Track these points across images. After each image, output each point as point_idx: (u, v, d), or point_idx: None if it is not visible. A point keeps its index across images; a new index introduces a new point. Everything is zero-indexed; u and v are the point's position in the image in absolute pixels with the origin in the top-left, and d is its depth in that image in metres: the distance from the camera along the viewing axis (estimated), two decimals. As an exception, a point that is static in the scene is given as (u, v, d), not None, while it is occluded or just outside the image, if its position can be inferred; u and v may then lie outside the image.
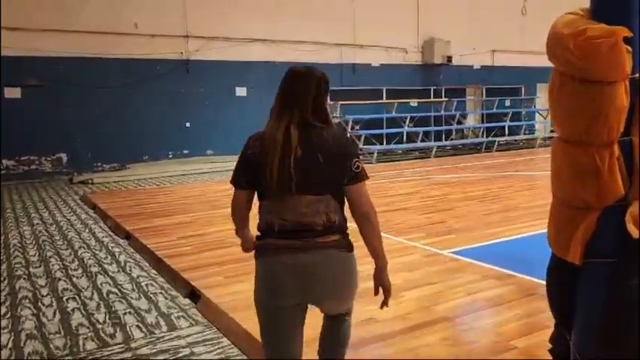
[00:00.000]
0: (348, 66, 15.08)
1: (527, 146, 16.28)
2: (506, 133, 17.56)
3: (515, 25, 18.24)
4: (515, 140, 17.11)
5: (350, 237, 2.07)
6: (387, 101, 15.28)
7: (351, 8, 14.90)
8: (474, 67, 17.68)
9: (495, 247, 5.05)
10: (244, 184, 2.07)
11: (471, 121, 17.56)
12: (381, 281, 2.07)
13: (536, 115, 19.11)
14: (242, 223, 2.21)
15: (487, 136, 16.45)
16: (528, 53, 18.56)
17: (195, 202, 7.97)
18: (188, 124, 12.90)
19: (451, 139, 16.60)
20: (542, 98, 19.30)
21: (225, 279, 4.27)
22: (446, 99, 16.40)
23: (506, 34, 18.07)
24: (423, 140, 15.06)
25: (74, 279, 4.53)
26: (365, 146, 13.88)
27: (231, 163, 10.60)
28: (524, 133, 17.91)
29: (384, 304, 2.10)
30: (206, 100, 13.06)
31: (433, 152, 14.29)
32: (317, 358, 2.35)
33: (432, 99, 16.43)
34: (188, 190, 9.36)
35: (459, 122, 16.75)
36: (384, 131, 14.82)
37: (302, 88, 2.06)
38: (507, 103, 18.29)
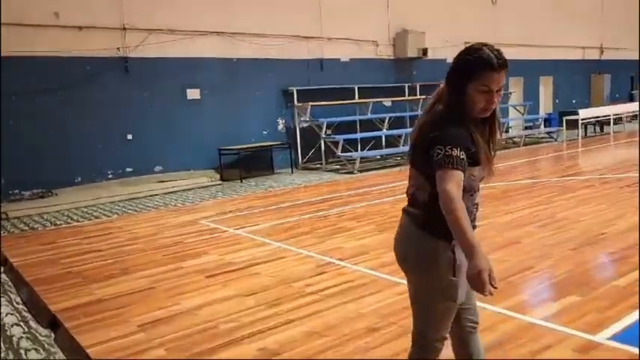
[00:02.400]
0: (316, 62, 13.15)
1: (510, 145, 14.94)
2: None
3: (487, 15, 16.97)
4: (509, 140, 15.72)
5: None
6: (361, 101, 13.47)
7: (316, -4, 12.99)
8: (448, 61, 16.14)
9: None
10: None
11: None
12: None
13: (510, 111, 17.94)
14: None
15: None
16: (499, 45, 17.34)
17: (153, 248, 5.78)
18: (130, 136, 10.52)
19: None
20: (517, 93, 18.17)
21: None
22: (422, 97, 14.79)
23: (478, 25, 16.74)
24: (405, 144, 13.33)
25: None
26: (343, 154, 11.99)
27: (187, 181, 8.29)
28: (504, 132, 16.59)
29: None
30: (151, 106, 10.73)
31: (418, 157, 12.57)
32: None
33: (406, 97, 14.79)
34: (138, 224, 7.11)
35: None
36: (359, 135, 12.99)
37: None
38: (481, 99, 16.92)
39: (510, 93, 17.70)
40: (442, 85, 2.08)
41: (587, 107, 20.34)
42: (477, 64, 1.93)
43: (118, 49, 10.34)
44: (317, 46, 13.14)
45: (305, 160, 12.77)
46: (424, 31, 14.72)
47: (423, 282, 2.06)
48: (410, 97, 14.79)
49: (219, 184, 10.69)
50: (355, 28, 13.70)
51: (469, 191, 1.97)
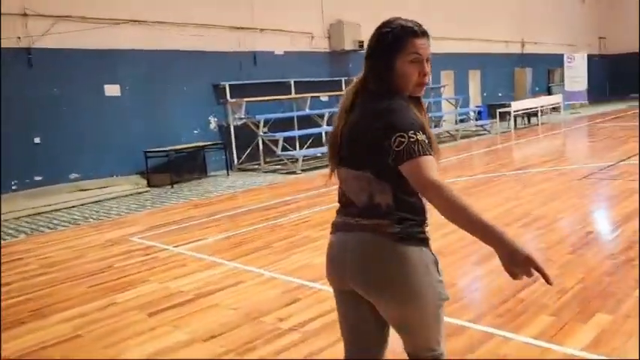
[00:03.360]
0: (248, 55, 12.19)
1: (447, 139, 14.77)
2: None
3: (419, 8, 16.74)
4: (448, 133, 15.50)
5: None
6: (298, 96, 12.67)
7: (247, -18, 12.03)
8: (382, 55, 15.76)
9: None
10: None
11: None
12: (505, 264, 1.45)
13: (443, 104, 17.89)
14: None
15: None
16: (433, 39, 17.22)
17: (74, 278, 4.65)
18: (38, 139, 9.07)
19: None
20: (450, 86, 18.14)
21: None
22: (360, 91, 14.23)
23: (411, 17, 16.44)
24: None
25: None
26: (284, 152, 11.15)
27: (109, 189, 6.79)
28: (435, 127, 16.47)
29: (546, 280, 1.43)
30: (63, 105, 9.32)
31: (361, 154, 11.97)
32: None
33: (344, 91, 14.13)
34: (53, 246, 5.88)
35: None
36: (299, 132, 12.20)
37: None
38: (416, 93, 16.67)
39: (443, 86, 17.64)
40: (359, 75, 1.80)
41: (511, 100, 20.83)
42: (401, 33, 1.72)
43: (19, 38, 8.87)
44: (249, 37, 12.19)
45: (241, 160, 11.80)
46: (360, 23, 14.18)
47: (414, 301, 1.65)
48: (347, 92, 14.18)
49: (147, 191, 9.50)
50: (289, 19, 12.89)
51: None
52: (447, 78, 18.20)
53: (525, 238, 4.74)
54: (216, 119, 11.62)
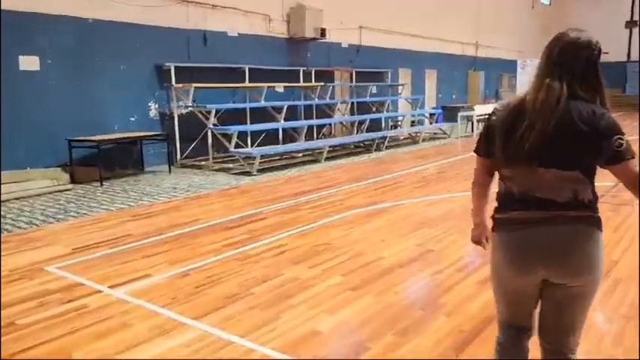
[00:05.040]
0: (198, 34, 10.57)
1: (411, 142, 13.83)
2: (385, 126, 15.02)
3: (380, 1, 15.68)
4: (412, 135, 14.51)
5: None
6: (255, 85, 11.20)
7: (200, -51, 10.40)
8: (343, 46, 14.60)
9: None
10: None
11: (339, 112, 14.42)
12: None
13: (399, 105, 17.00)
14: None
15: (357, 131, 13.64)
16: (392, 33, 16.28)
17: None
18: None
19: (322, 136, 13.30)
20: (407, 86, 17.23)
21: None
22: (319, 84, 12.98)
23: (371, 11, 15.39)
24: (301, 138, 11.43)
25: None
26: (238, 150, 9.68)
27: (20, 186, 4.81)
28: (391, 127, 15.54)
29: None
30: (-38, 77, 7.39)
31: (323, 156, 10.72)
32: None
33: (301, 83, 12.84)
34: None
35: (328, 114, 13.49)
36: (256, 127, 10.76)
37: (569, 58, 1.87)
38: (374, 90, 15.69)
39: (402, 85, 16.72)
40: (553, 83, 1.83)
41: (465, 103, 20.35)
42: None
43: None
44: (199, 13, 10.57)
45: (185, 155, 10.20)
46: (322, 9, 12.88)
47: (596, 284, 1.92)
48: (305, 84, 12.88)
49: (70, 189, 7.77)
50: (245, -3, 11.39)
51: None
52: (404, 76, 17.32)
53: None
54: (157, 106, 9.94)
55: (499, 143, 1.87)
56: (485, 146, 1.98)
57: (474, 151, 2.05)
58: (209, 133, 9.87)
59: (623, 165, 1.76)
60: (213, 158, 10.05)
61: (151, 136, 9.34)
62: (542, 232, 1.82)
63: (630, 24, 28.13)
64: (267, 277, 4.05)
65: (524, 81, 21.51)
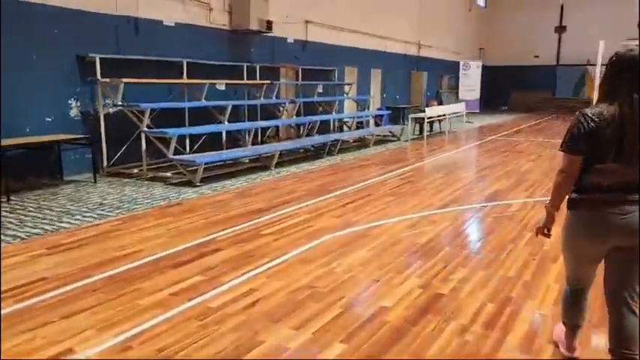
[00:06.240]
0: (128, 22, 9.16)
1: (361, 145, 13.02)
2: (333, 128, 14.13)
3: (327, -6, 14.79)
4: (362, 138, 13.60)
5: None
6: (194, 81, 9.92)
7: None
8: (289, 41, 13.55)
9: None
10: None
11: (286, 113, 13.34)
12: None
13: (345, 105, 16.19)
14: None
15: (303, 133, 12.68)
16: (338, 30, 15.44)
17: None
18: None
19: (268, 139, 12.19)
20: (354, 85, 16.42)
21: None
22: (265, 81, 11.86)
23: (317, 6, 14.46)
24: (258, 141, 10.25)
25: None
26: (179, 157, 8.39)
27: None
28: (338, 130, 14.71)
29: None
30: None
31: (273, 162, 9.63)
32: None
33: (245, 80, 11.67)
34: None
35: (274, 115, 12.41)
36: (195, 130, 9.48)
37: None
38: (320, 89, 14.77)
39: (349, 85, 15.91)
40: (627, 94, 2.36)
41: (408, 104, 19.92)
42: None
43: None
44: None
45: (113, 162, 8.78)
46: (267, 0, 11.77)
47: None
48: (249, 81, 11.73)
49: (-34, 209, 6.23)
50: (183, -18, 10.08)
51: None
52: (350, 75, 16.52)
53: None
54: (79, 104, 8.46)
55: (609, 146, 2.34)
56: (584, 147, 2.40)
57: (568, 151, 2.45)
58: (142, 137, 8.52)
59: None
60: (147, 165, 8.71)
61: (71, 139, 7.87)
62: (630, 209, 2.36)
63: (559, 29, 29.03)
64: (241, 349, 2.98)
65: (467, 83, 21.46)
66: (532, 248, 4.89)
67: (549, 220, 2.63)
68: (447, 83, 24.97)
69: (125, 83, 8.36)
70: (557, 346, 2.94)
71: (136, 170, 8.67)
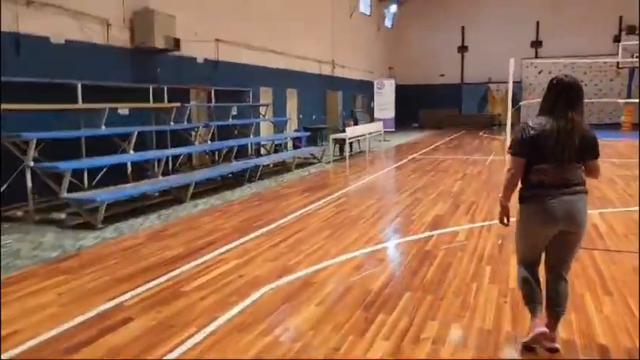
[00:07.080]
0: (7, 38, 7.78)
1: (282, 169, 12.22)
2: (250, 152, 13.21)
3: (237, 12, 13.98)
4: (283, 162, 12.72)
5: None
6: (89, 106, 8.63)
7: None
8: (198, 61, 12.54)
9: None
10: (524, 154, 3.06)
11: (199, 138, 12.25)
12: None
13: (262, 128, 15.37)
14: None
15: (219, 160, 11.72)
16: (251, 49, 14.67)
17: None
18: None
19: (180, 168, 11.06)
20: (269, 107, 15.62)
21: None
22: (175, 104, 10.76)
23: (229, 21, 13.63)
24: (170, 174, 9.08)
25: None
26: (73, 195, 7.08)
27: None
28: (256, 154, 13.86)
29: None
30: None
31: (189, 194, 8.54)
32: None
33: (152, 104, 10.50)
34: None
35: (186, 141, 11.31)
36: (94, 162, 8.19)
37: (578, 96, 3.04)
38: (234, 111, 13.85)
39: (265, 106, 15.12)
40: (563, 111, 2.99)
41: (324, 124, 19.49)
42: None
43: None
44: (9, 11, 7.81)
45: (-9, 204, 7.28)
46: (174, 14, 10.75)
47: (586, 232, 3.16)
48: (157, 104, 10.57)
49: None
50: (74, -5, 8.85)
51: None
52: (265, 96, 15.75)
53: None
54: (-57, 136, 6.93)
55: (548, 151, 2.96)
56: (526, 151, 3.02)
57: (513, 154, 3.08)
58: (27, 172, 7.13)
59: (597, 160, 3.07)
60: (35, 205, 7.32)
61: None
62: (567, 199, 2.98)
63: (461, 49, 30.28)
64: None
65: (382, 102, 21.47)
66: (499, 286, 4.32)
67: (504, 211, 3.19)
68: (360, 102, 24.96)
69: (4, 110, 6.97)
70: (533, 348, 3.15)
71: (19, 213, 7.25)
